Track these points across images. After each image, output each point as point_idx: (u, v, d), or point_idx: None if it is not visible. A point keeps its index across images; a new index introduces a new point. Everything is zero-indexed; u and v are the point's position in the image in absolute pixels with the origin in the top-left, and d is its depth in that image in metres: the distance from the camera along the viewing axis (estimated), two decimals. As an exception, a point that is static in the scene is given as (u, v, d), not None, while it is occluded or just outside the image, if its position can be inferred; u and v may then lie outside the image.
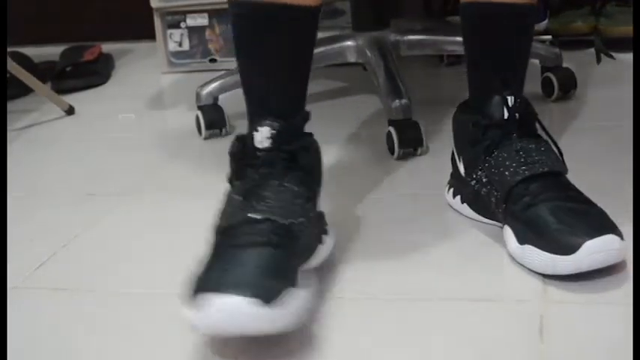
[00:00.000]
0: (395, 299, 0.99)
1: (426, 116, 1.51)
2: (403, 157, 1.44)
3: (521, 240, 1.02)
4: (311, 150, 1.04)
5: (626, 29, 2.01)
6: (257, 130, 0.99)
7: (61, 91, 2.10)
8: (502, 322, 0.92)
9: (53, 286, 1.11)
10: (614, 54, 1.92)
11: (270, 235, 0.93)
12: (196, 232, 1.24)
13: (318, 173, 1.06)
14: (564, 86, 1.70)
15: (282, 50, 1.04)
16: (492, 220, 1.13)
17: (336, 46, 1.68)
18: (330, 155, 1.40)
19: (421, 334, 0.91)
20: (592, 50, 1.95)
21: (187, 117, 1.76)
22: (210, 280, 0.88)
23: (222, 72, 1.76)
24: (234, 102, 1.72)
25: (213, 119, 1.68)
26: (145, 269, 1.14)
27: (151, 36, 2.32)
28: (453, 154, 1.20)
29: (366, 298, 1.00)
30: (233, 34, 1.06)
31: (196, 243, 1.20)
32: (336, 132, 1.60)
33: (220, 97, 1.71)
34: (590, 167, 1.30)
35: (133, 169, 1.55)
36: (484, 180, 1.10)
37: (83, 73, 2.23)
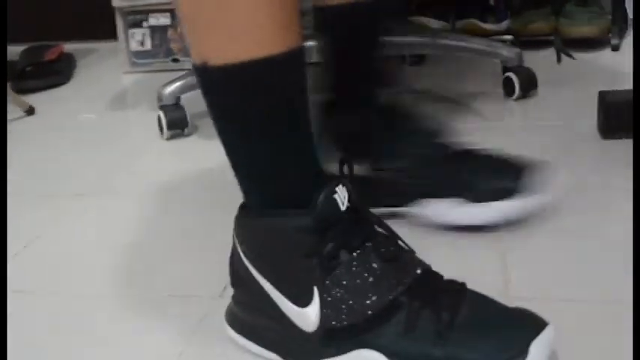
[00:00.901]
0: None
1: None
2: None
3: None
4: None
5: (586, 29, 2.03)
6: (336, 192, 0.83)
7: (22, 91, 2.08)
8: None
9: (15, 288, 1.10)
10: (574, 54, 1.93)
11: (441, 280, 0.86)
12: (156, 232, 1.24)
13: None
14: (525, 86, 1.71)
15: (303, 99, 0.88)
16: None
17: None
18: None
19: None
20: (553, 50, 1.97)
21: (149, 117, 1.75)
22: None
23: (185, 72, 1.76)
24: (196, 102, 1.72)
25: (175, 119, 1.67)
26: (107, 270, 1.13)
27: (112, 36, 2.31)
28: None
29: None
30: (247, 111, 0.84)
31: (157, 243, 1.20)
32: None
33: (182, 97, 1.70)
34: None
35: (94, 169, 1.54)
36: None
37: (44, 73, 2.21)
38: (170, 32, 2.26)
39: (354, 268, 0.82)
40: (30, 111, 1.95)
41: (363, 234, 0.84)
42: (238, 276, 0.91)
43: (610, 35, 2.05)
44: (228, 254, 0.91)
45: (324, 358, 0.84)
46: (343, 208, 0.83)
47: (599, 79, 1.80)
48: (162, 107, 1.68)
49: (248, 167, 0.88)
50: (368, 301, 0.81)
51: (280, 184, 0.87)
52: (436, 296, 0.82)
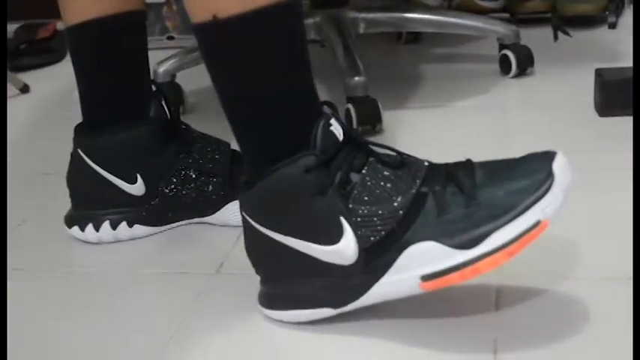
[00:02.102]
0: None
1: (383, 93, 1.51)
2: (361, 134, 1.44)
3: None
4: None
5: (582, 7, 2.03)
6: (331, 125, 0.86)
7: (16, 69, 2.07)
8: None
9: (9, 267, 1.10)
10: (570, 31, 1.93)
11: None
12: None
13: None
14: (521, 63, 1.71)
15: None
16: None
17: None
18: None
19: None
20: (549, 27, 1.96)
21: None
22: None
23: (180, 49, 1.75)
24: (191, 80, 1.71)
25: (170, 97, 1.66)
26: (100, 247, 1.13)
27: (107, 13, 2.29)
28: None
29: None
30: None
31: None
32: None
33: (178, 74, 1.69)
34: (543, 143, 1.31)
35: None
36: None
37: (38, 51, 2.20)
38: (165, 10, 2.24)
39: (369, 183, 0.84)
40: (24, 89, 1.94)
41: (364, 153, 0.87)
42: (260, 254, 0.91)
43: (607, 13, 2.04)
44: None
45: (379, 278, 0.85)
46: (341, 138, 0.86)
47: (596, 57, 1.79)
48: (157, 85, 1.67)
49: (259, 115, 0.88)
50: (395, 203, 0.83)
51: (289, 127, 0.87)
52: (450, 174, 0.85)
